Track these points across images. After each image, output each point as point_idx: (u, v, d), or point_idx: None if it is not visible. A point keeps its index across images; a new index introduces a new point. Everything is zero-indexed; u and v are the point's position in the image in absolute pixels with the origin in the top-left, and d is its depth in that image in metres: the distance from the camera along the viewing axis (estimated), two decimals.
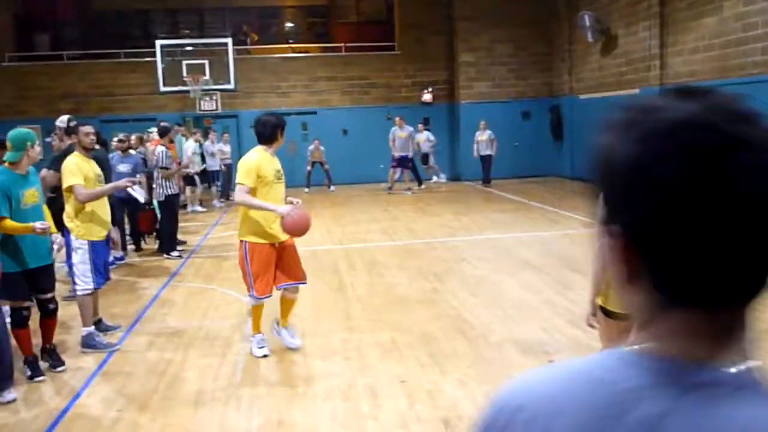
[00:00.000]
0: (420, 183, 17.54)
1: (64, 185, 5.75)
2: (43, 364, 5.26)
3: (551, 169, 19.77)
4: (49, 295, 5.29)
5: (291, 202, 5.35)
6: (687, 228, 0.67)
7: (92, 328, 5.83)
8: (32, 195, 5.05)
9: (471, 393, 4.53)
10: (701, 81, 12.90)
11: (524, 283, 7.51)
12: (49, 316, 5.33)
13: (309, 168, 17.84)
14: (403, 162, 17.15)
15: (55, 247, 5.25)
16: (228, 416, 4.36)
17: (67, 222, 5.74)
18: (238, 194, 5.14)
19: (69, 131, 7.51)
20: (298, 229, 5.15)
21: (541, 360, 5.03)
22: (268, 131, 5.23)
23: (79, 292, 5.78)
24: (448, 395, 4.52)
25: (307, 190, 17.54)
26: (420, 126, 17.89)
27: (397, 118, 17.37)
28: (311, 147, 17.91)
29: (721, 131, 0.67)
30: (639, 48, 15.03)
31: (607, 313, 3.81)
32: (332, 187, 17.89)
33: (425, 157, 18.02)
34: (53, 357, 5.34)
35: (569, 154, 18.81)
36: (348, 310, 6.71)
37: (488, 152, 17.45)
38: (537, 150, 19.83)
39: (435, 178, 18.46)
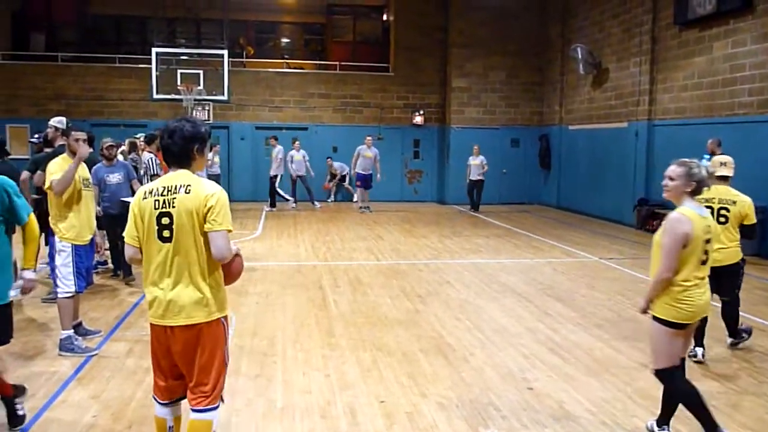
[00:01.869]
0: (273, 205, 17.31)
1: (46, 185, 5.68)
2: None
3: (537, 197, 19.97)
4: None
5: None
6: None
7: (71, 331, 5.76)
8: None
9: (450, 416, 4.53)
10: (689, 119, 13.12)
11: (506, 309, 7.55)
12: None
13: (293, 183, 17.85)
14: (367, 181, 17.24)
15: (13, 292, 3.97)
16: None
17: (52, 224, 5.72)
18: (229, 246, 3.33)
19: (65, 133, 7.47)
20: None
21: (520, 386, 5.04)
22: (177, 146, 3.37)
23: (60, 295, 5.75)
24: (427, 417, 4.52)
25: (293, 204, 17.57)
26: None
27: (368, 138, 17.49)
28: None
29: None
30: (629, 83, 15.28)
31: (658, 320, 3.97)
32: (317, 204, 17.92)
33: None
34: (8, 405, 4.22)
35: (556, 183, 19.00)
36: (330, 327, 6.70)
37: (479, 177, 17.54)
38: (524, 177, 20.04)
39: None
